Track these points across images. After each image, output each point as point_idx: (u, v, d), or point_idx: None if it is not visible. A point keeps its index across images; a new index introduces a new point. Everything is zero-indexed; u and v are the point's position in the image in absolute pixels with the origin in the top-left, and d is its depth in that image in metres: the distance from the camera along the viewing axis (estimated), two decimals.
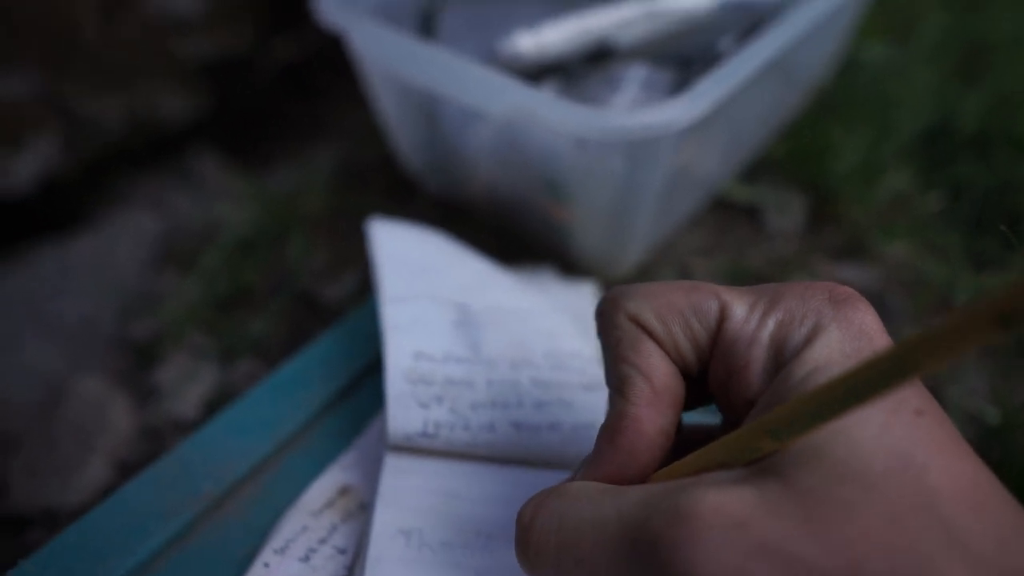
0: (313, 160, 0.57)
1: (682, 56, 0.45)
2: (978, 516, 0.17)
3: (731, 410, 0.23)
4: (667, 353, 0.23)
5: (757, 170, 0.52)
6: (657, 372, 0.22)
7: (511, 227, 0.44)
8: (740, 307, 0.22)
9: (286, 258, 0.47)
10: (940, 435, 0.19)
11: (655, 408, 0.22)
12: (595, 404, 0.31)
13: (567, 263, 0.42)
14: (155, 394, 0.42)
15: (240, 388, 0.40)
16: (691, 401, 0.24)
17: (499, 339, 0.32)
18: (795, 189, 0.51)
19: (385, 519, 0.27)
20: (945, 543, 0.17)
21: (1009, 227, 0.46)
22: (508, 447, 0.29)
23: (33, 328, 0.48)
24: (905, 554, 0.17)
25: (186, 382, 0.42)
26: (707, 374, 0.23)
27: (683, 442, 0.23)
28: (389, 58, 0.38)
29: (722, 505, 0.18)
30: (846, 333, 0.20)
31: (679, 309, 0.23)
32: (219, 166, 0.59)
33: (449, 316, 0.33)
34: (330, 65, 0.56)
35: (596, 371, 0.32)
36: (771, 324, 0.22)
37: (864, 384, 0.16)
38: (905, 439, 0.18)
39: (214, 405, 0.40)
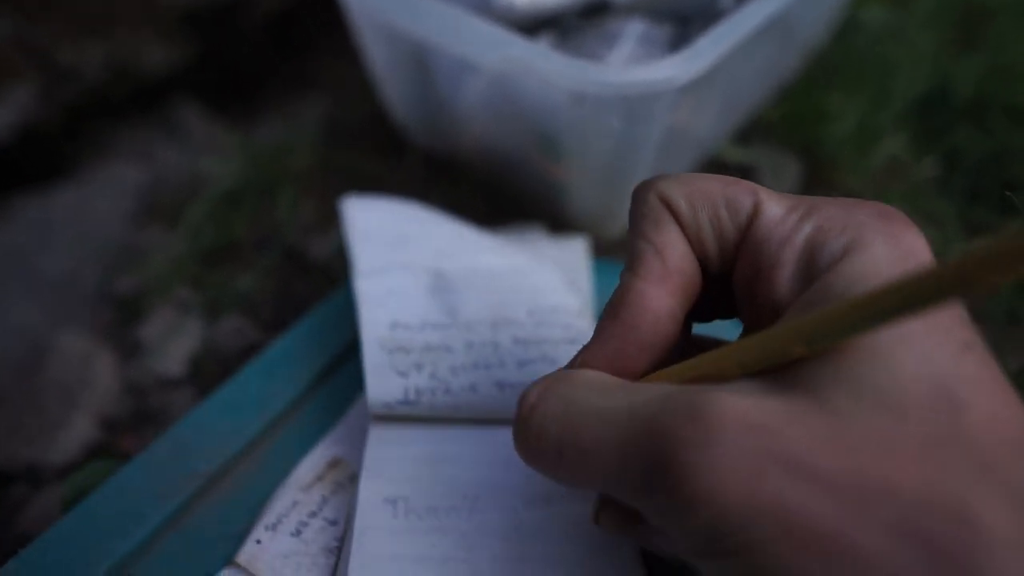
0: (301, 114, 0.55)
1: (680, 12, 0.44)
2: (1018, 460, 0.16)
3: (754, 318, 0.21)
4: (689, 238, 0.21)
5: (752, 132, 0.51)
6: (672, 251, 0.21)
7: (503, 185, 0.43)
8: (776, 207, 0.21)
9: (273, 213, 0.46)
10: (986, 374, 0.17)
11: (664, 286, 0.21)
12: None
13: (560, 222, 0.41)
14: (140, 350, 0.41)
15: (226, 345, 0.40)
16: (710, 310, 0.23)
17: (478, 301, 0.32)
18: (790, 153, 0.50)
19: (370, 490, 0.27)
20: (981, 479, 0.16)
21: (1006, 193, 0.46)
22: (492, 407, 0.29)
23: (14, 283, 0.47)
24: (939, 484, 0.16)
25: (171, 338, 0.41)
26: (730, 279, 0.22)
27: (695, 350, 0.22)
28: (379, 8, 0.37)
29: (744, 410, 0.17)
30: (892, 251, 0.19)
31: (711, 197, 0.21)
32: (204, 118, 0.58)
33: (424, 283, 0.32)
34: (318, 16, 0.55)
35: (581, 325, 0.32)
36: (808, 228, 0.20)
37: (913, 297, 0.15)
38: (948, 373, 0.17)
39: (199, 362, 0.39)
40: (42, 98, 0.51)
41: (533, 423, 0.20)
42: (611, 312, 0.21)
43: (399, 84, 0.44)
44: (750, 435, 0.16)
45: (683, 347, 0.22)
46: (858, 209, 0.20)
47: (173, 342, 0.41)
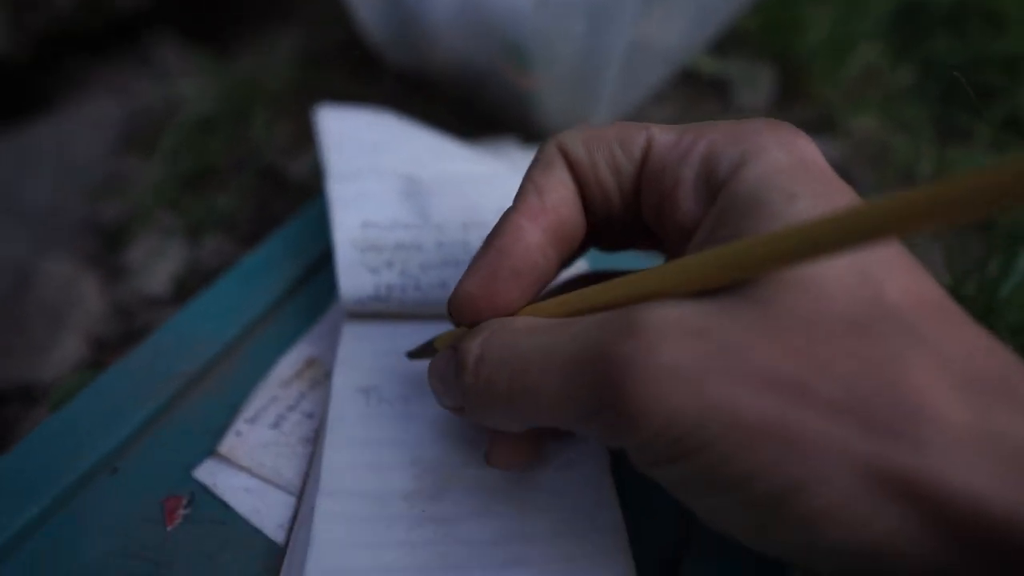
0: (275, 44, 0.55)
1: None
2: (941, 324, 0.17)
3: (670, 245, 0.22)
4: (587, 180, 0.23)
5: (726, 44, 0.51)
6: (553, 192, 0.22)
7: (475, 99, 0.44)
8: (668, 135, 0.22)
9: (250, 135, 0.46)
10: (895, 253, 0.18)
11: (539, 222, 0.22)
12: None
13: (532, 133, 0.42)
14: (125, 273, 0.42)
15: (209, 264, 0.41)
16: (623, 239, 0.24)
17: (450, 204, 0.32)
18: (765, 63, 0.50)
19: (344, 380, 0.28)
20: (912, 346, 0.16)
21: (979, 101, 0.46)
22: None
23: None
24: (873, 356, 0.16)
25: (155, 260, 0.42)
26: (640, 211, 0.23)
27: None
28: None
29: (679, 316, 0.17)
30: (788, 155, 0.19)
31: (605, 139, 0.22)
32: (178, 50, 0.57)
33: (397, 187, 0.33)
34: None
35: None
36: (702, 145, 0.21)
37: (833, 237, 0.15)
38: (861, 256, 0.18)
39: (183, 282, 0.40)
40: (13, 29, 0.51)
41: (482, 374, 0.21)
42: (488, 242, 0.22)
43: (370, 1, 0.44)
44: (688, 339, 0.17)
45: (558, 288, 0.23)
46: (747, 124, 0.21)
47: (157, 263, 0.42)
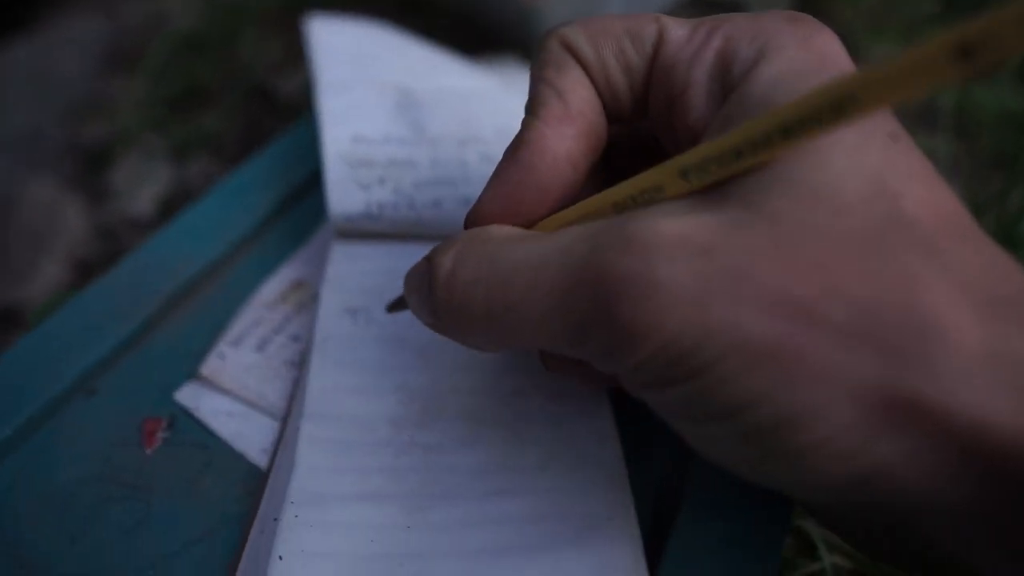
0: None
1: None
2: (958, 241, 0.16)
3: (677, 150, 0.20)
4: (596, 79, 0.20)
5: None
6: (574, 94, 0.20)
7: (475, 16, 0.41)
8: (680, 29, 0.20)
9: (239, 53, 0.44)
10: (915, 163, 0.17)
11: (565, 129, 0.20)
12: None
13: (533, 53, 0.39)
14: (109, 195, 0.40)
15: (194, 186, 0.39)
16: (630, 151, 0.22)
17: (444, 118, 0.31)
18: None
19: (332, 300, 0.26)
20: (927, 264, 0.15)
21: None
22: (456, 223, 0.28)
23: None
24: (886, 275, 0.15)
25: (140, 182, 0.40)
26: (648, 115, 0.21)
27: None
28: None
29: (679, 231, 0.16)
30: (806, 53, 0.18)
31: (614, 33, 0.20)
32: None
33: (390, 99, 0.31)
34: None
35: None
36: (716, 42, 0.19)
37: (798, 120, 0.14)
38: (879, 164, 0.16)
39: (169, 203, 0.39)
40: None
41: (456, 290, 0.19)
42: (510, 154, 0.20)
43: None
44: (689, 256, 0.15)
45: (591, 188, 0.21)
46: (765, 18, 0.19)
47: (141, 185, 0.40)
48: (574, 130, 0.20)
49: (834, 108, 0.14)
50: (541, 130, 0.20)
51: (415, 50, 0.34)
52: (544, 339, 0.18)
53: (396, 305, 0.25)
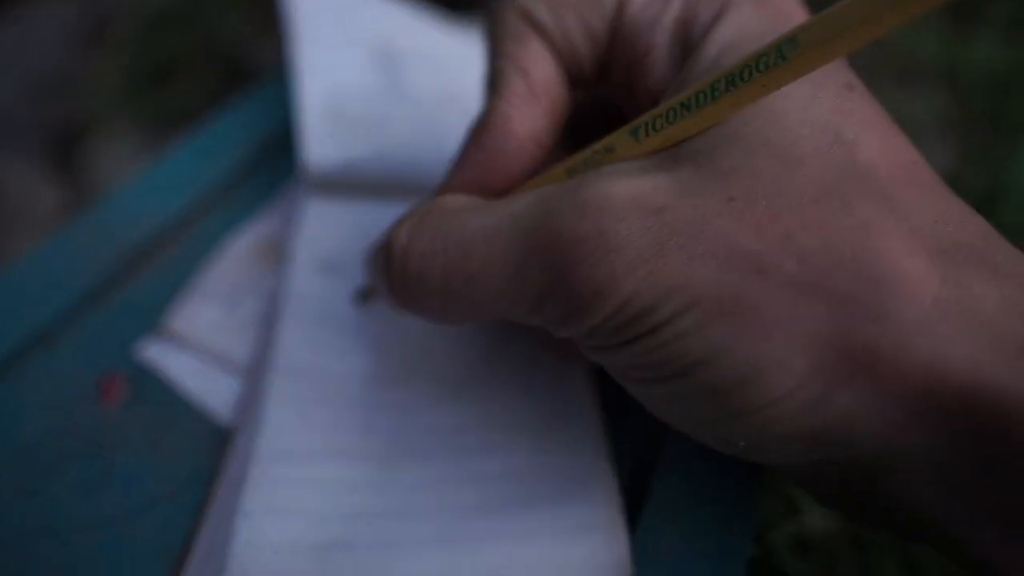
0: None
1: None
2: (914, 190, 0.16)
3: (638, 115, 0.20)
4: (558, 51, 0.20)
5: None
6: (537, 69, 0.19)
7: None
8: None
9: (211, 27, 0.43)
10: (871, 112, 0.17)
11: (529, 107, 0.19)
12: None
13: None
14: (83, 173, 0.39)
15: None
16: (592, 119, 0.22)
17: (426, 76, 0.30)
18: None
19: (306, 258, 0.26)
20: (881, 212, 0.15)
21: None
22: (434, 181, 0.27)
23: None
24: (839, 225, 0.15)
25: (114, 159, 0.39)
26: (610, 81, 0.20)
27: None
28: None
29: (631, 192, 0.16)
30: (759, 9, 0.17)
31: (573, 0, 0.20)
32: None
33: (370, 55, 0.30)
34: None
35: None
36: (676, 5, 0.19)
37: (743, 69, 0.14)
38: (834, 113, 0.16)
39: None
40: None
41: (411, 265, 0.18)
42: (474, 138, 0.20)
43: None
44: (642, 216, 0.15)
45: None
46: None
47: (115, 162, 0.39)
48: (539, 109, 0.19)
49: (778, 56, 0.13)
50: (506, 111, 0.19)
51: (396, 9, 0.34)
52: (504, 309, 0.18)
53: (362, 295, 0.24)
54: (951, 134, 0.36)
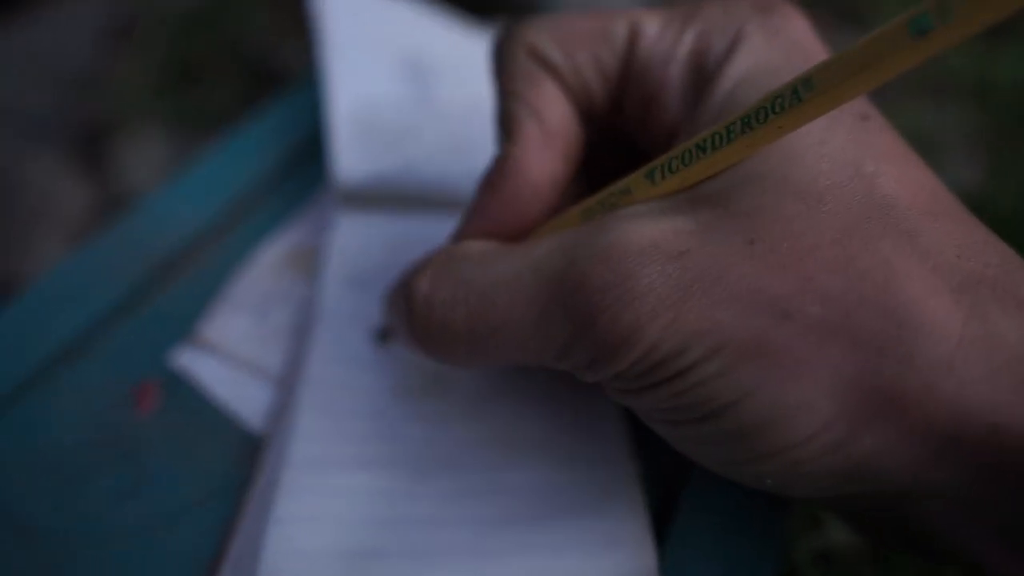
0: None
1: None
2: (935, 220, 0.15)
3: (654, 153, 0.19)
4: (570, 88, 0.20)
5: None
6: (551, 112, 0.19)
7: None
8: (652, 25, 0.19)
9: (238, 28, 0.44)
10: (888, 141, 0.16)
11: (544, 152, 0.19)
12: None
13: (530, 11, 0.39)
14: (108, 172, 0.40)
15: None
16: (606, 151, 0.22)
17: (455, 89, 0.30)
18: None
19: (338, 271, 0.26)
20: (903, 249, 0.15)
21: None
22: (462, 194, 0.27)
23: None
24: (862, 265, 0.15)
25: (140, 158, 0.40)
26: (623, 115, 0.20)
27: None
28: None
29: (652, 236, 0.16)
30: (772, 41, 0.17)
31: (584, 35, 0.19)
32: None
33: (399, 66, 0.31)
34: None
35: None
36: (689, 38, 0.18)
37: (759, 111, 0.14)
38: (851, 146, 0.16)
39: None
40: None
41: (435, 315, 0.18)
42: (490, 185, 0.19)
43: None
44: (664, 261, 0.15)
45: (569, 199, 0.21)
46: (736, 7, 0.18)
47: (142, 163, 0.40)
48: (554, 152, 0.19)
49: (793, 97, 0.13)
50: (521, 158, 0.19)
51: (425, 18, 0.34)
52: (530, 355, 0.18)
53: (381, 335, 0.24)
54: (979, 149, 0.36)
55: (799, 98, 0.13)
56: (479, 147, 0.29)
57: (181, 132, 0.40)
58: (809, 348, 0.15)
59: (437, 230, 0.27)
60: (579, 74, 0.19)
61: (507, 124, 0.19)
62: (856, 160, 0.16)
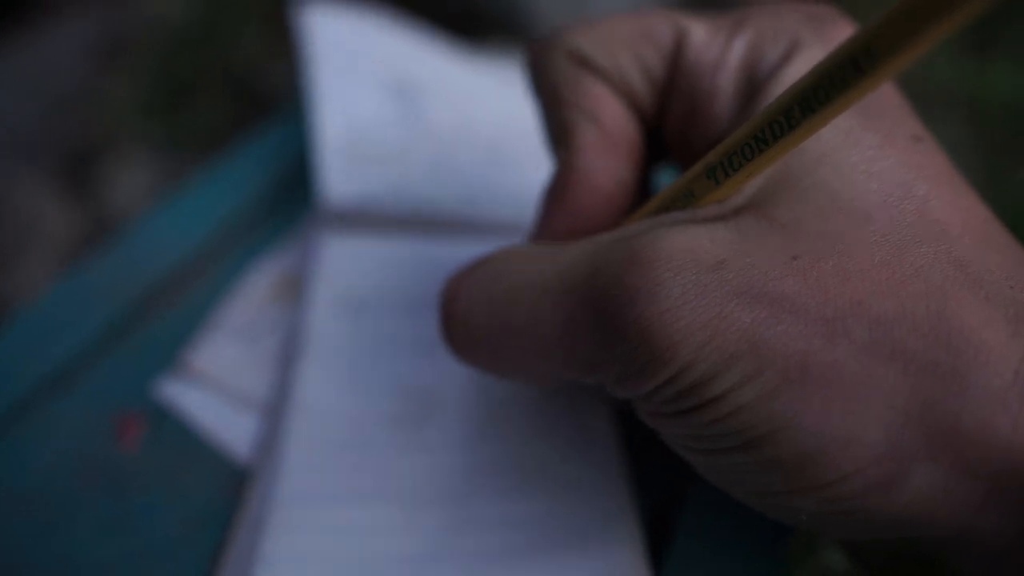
0: None
1: None
2: (987, 250, 0.15)
3: (690, 161, 0.18)
4: (618, 90, 0.19)
5: None
6: (607, 113, 0.18)
7: (464, 2, 0.40)
8: (700, 30, 0.18)
9: (227, 49, 0.43)
10: (940, 164, 0.16)
11: (608, 156, 0.18)
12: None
13: (515, 31, 0.38)
14: (97, 192, 0.40)
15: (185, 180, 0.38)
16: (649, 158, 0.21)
17: (443, 111, 0.30)
18: None
19: (326, 295, 0.25)
20: (957, 278, 0.14)
21: None
22: (454, 214, 0.27)
23: None
24: (913, 291, 0.14)
25: (128, 178, 0.39)
26: (664, 121, 0.19)
27: None
28: None
29: (691, 245, 0.14)
30: (825, 52, 0.17)
31: (626, 37, 0.18)
32: None
33: (387, 88, 0.30)
34: None
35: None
36: (739, 46, 0.17)
37: (816, 84, 0.12)
38: (903, 166, 0.15)
39: (159, 196, 0.38)
40: None
41: (458, 315, 0.18)
42: (554, 197, 0.18)
43: None
44: (702, 271, 0.14)
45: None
46: (786, 14, 0.18)
47: (130, 182, 0.39)
48: (617, 156, 0.18)
49: (853, 62, 0.12)
50: (584, 165, 0.18)
51: (412, 39, 0.33)
52: (553, 363, 0.17)
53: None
54: (970, 160, 0.36)
55: (859, 66, 0.12)
56: (468, 168, 0.28)
57: (169, 153, 0.40)
58: (857, 374, 0.14)
59: (427, 251, 0.27)
60: (623, 76, 0.19)
61: (560, 133, 0.19)
62: (907, 181, 0.15)
